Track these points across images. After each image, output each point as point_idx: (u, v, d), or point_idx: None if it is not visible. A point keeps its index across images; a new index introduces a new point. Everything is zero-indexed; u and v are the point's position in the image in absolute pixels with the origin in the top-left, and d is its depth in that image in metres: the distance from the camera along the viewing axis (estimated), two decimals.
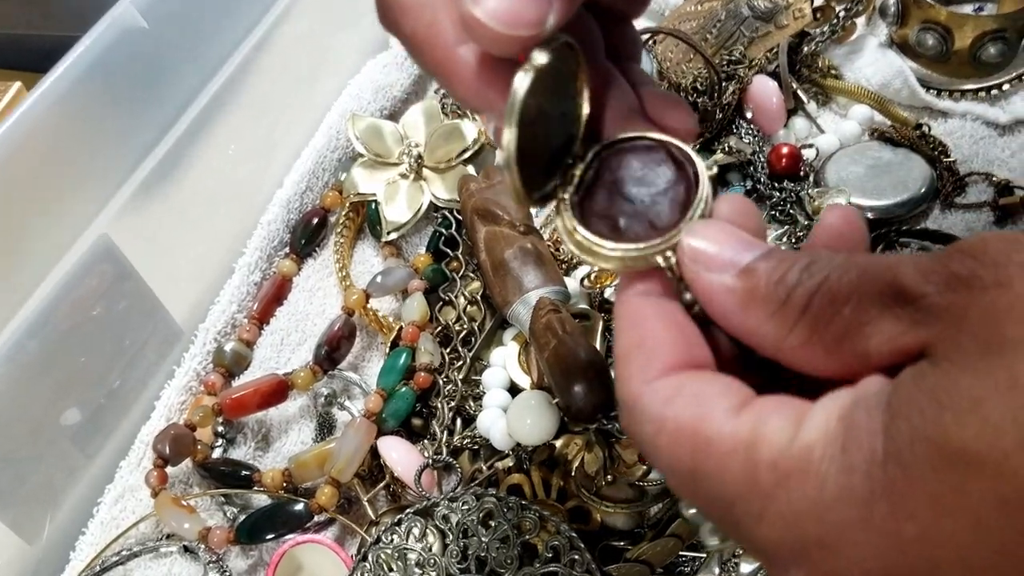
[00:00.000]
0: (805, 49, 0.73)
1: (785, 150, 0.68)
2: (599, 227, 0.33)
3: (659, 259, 0.32)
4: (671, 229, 0.32)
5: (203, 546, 0.55)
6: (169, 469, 0.58)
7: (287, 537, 0.56)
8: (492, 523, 0.53)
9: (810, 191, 0.67)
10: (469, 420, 0.60)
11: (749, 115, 0.71)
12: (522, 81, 0.30)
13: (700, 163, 0.34)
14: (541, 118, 0.33)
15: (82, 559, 0.57)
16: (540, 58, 0.30)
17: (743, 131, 0.70)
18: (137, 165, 0.61)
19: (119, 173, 0.60)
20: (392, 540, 0.52)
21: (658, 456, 0.29)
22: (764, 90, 0.71)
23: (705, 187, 0.33)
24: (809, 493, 0.25)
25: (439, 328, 0.63)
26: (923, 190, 0.65)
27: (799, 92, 0.73)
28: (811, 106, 0.73)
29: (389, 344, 0.62)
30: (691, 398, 0.28)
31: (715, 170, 0.33)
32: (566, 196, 0.35)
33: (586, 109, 0.36)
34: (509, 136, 0.31)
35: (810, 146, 0.70)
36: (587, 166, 0.35)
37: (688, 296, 0.31)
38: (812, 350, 0.27)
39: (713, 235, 0.31)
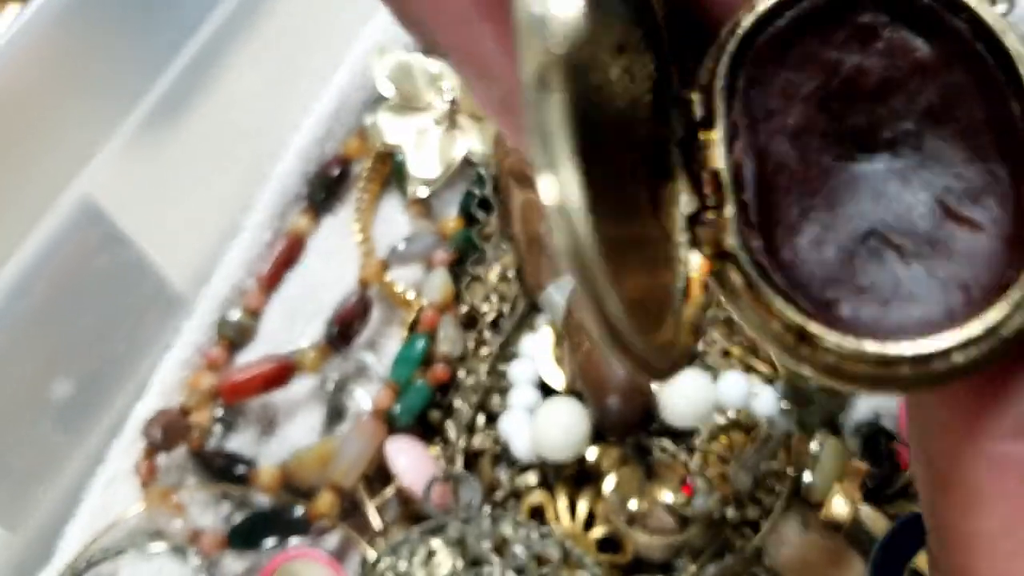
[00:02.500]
0: None
1: None
2: (832, 289, 0.15)
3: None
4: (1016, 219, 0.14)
5: (194, 548, 0.50)
6: (165, 455, 0.53)
7: (288, 543, 0.50)
8: (508, 551, 0.46)
9: None
10: (494, 417, 0.52)
11: None
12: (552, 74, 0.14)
13: (987, 10, 0.16)
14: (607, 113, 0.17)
15: (70, 548, 0.52)
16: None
17: None
18: (128, 111, 0.54)
19: (107, 120, 0.53)
20: (393, 564, 0.46)
21: None
22: None
23: None
24: None
25: (465, 309, 0.55)
26: None
27: None
28: None
29: (408, 326, 0.55)
30: None
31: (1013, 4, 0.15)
32: (731, 240, 0.17)
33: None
34: (565, 185, 0.14)
35: None
36: (727, 126, 0.17)
37: None
38: None
39: None
